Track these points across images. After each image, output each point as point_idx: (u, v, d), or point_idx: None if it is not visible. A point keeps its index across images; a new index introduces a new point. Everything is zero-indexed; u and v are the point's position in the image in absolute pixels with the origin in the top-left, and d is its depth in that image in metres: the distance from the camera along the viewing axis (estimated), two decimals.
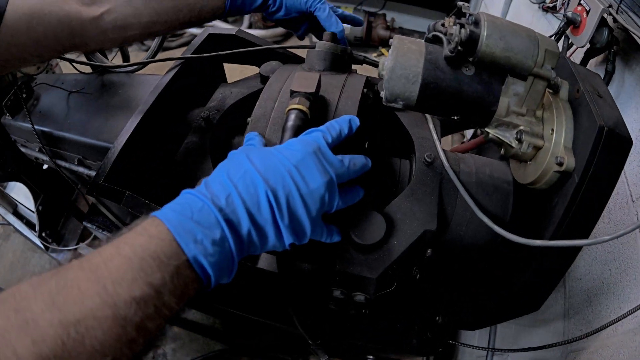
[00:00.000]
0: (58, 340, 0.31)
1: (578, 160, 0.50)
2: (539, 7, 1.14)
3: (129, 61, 1.19)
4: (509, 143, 0.54)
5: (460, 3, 0.53)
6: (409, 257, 0.59)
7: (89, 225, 1.03)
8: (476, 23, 0.49)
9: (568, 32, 0.84)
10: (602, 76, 0.84)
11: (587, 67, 0.90)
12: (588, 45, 0.83)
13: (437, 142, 0.62)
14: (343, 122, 0.50)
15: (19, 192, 1.54)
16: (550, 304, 0.89)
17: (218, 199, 0.40)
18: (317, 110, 0.54)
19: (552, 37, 0.88)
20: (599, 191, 0.51)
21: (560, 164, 0.51)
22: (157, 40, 1.06)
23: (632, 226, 0.49)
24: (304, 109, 0.50)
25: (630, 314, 0.63)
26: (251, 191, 0.41)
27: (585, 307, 0.80)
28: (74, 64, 1.01)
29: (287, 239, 0.43)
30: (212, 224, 0.39)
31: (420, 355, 0.87)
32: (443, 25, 0.51)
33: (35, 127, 1.10)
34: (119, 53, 1.23)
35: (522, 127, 0.53)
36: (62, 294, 0.33)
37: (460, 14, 0.51)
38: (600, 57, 0.89)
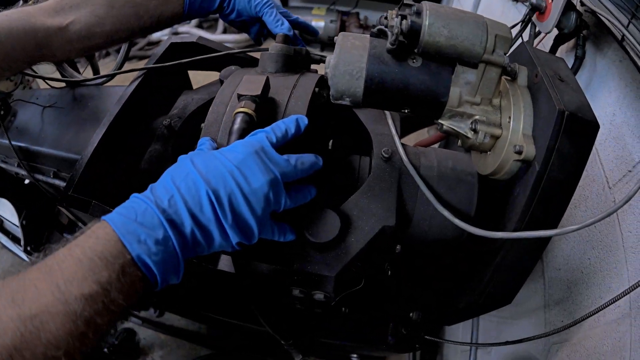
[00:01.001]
0: (17, 332, 0.35)
1: (539, 148, 0.49)
2: None
3: (98, 74, 1.20)
4: (465, 134, 0.52)
5: None
6: (371, 254, 0.58)
7: (69, 236, 1.03)
8: (418, 13, 0.47)
9: (534, 19, 0.83)
10: (572, 62, 0.82)
11: (557, 53, 0.89)
12: (556, 32, 0.81)
13: (396, 138, 0.60)
14: (290, 122, 0.50)
15: (5, 208, 1.54)
16: (530, 295, 0.87)
17: (161, 200, 0.42)
18: (265, 113, 0.53)
19: (518, 25, 0.87)
20: (564, 179, 0.49)
21: (519, 152, 0.49)
22: (122, 52, 1.06)
23: (602, 214, 0.47)
24: (250, 111, 0.49)
25: (611, 304, 0.61)
26: (193, 192, 0.43)
27: (566, 297, 0.78)
28: (46, 80, 1.03)
29: (234, 238, 0.44)
30: (154, 224, 0.41)
31: (397, 352, 0.85)
32: (386, 18, 0.50)
33: (13, 142, 1.11)
34: (89, 66, 1.24)
35: (477, 117, 0.51)
36: (21, 292, 0.37)
37: (405, 5, 0.50)
38: (571, 43, 0.87)
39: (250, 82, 0.52)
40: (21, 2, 1.00)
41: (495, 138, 0.52)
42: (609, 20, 0.69)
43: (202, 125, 0.57)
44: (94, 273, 0.38)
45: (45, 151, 1.10)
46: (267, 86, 0.52)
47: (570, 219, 0.80)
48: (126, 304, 0.40)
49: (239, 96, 0.51)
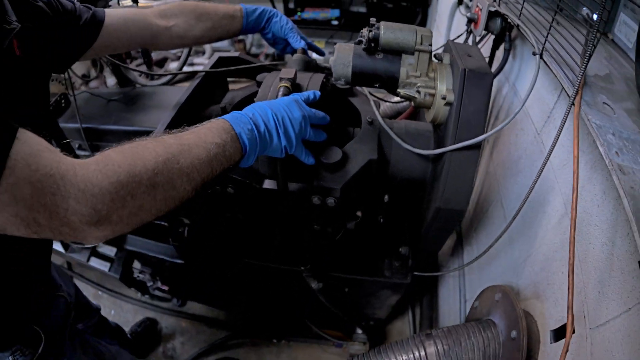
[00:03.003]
0: (177, 148, 0.58)
1: (456, 95, 0.79)
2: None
3: (155, 77, 1.59)
4: (413, 95, 0.86)
5: (372, 20, 0.88)
6: (365, 185, 0.89)
7: None
8: (377, 28, 0.84)
9: (472, 28, 1.17)
10: (505, 54, 1.14)
11: (498, 50, 1.22)
12: (491, 35, 1.15)
13: (376, 111, 0.95)
14: (309, 92, 0.83)
15: None
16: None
17: (249, 113, 0.71)
18: (295, 90, 0.88)
19: (464, 34, 1.21)
20: (473, 109, 0.77)
21: (444, 98, 0.82)
22: (182, 58, 1.46)
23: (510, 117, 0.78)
24: (288, 85, 0.83)
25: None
26: (264, 113, 0.72)
27: (525, 231, 1.05)
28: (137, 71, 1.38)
29: (283, 141, 0.72)
30: (246, 122, 0.68)
31: (393, 287, 1.12)
32: (362, 34, 0.87)
33: (83, 125, 1.39)
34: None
35: (419, 84, 0.86)
36: (179, 135, 0.62)
37: (370, 25, 0.87)
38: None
39: (287, 72, 0.87)
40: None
41: (432, 96, 0.86)
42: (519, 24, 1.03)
43: (254, 99, 0.92)
44: (218, 135, 0.63)
45: (115, 128, 1.39)
46: (296, 73, 0.88)
47: (514, 164, 1.11)
48: (228, 163, 0.64)
49: (281, 79, 0.86)
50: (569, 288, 0.60)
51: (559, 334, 0.65)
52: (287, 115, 0.73)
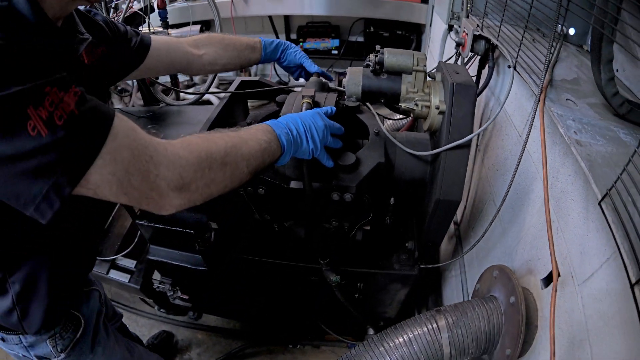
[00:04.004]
0: (236, 140, 0.73)
1: (447, 105, 0.96)
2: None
3: (179, 99, 1.78)
4: (412, 108, 1.03)
5: (377, 47, 1.06)
6: (375, 187, 1.05)
7: (142, 222, 1.29)
8: (382, 54, 1.02)
9: (460, 51, 1.36)
10: (489, 71, 1.33)
11: (484, 69, 1.41)
12: (477, 56, 1.34)
13: (380, 124, 1.12)
14: (327, 107, 0.99)
15: None
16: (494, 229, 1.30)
17: (284, 121, 0.86)
18: (314, 106, 1.05)
19: (453, 57, 1.40)
20: (462, 115, 0.94)
21: (438, 108, 0.99)
22: (208, 81, 1.65)
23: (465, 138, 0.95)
24: (310, 101, 1.00)
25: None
26: (295, 122, 0.87)
27: (513, 219, 1.21)
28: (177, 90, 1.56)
29: (310, 145, 0.87)
30: (283, 127, 0.83)
31: (402, 279, 1.26)
32: (369, 58, 1.05)
33: None
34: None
35: (417, 99, 1.03)
36: (238, 133, 0.76)
37: (376, 51, 1.04)
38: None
39: (307, 91, 1.04)
40: (145, 22, 1.55)
41: (428, 107, 1.02)
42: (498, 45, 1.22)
43: (280, 114, 1.07)
44: (264, 134, 0.78)
45: None
46: (315, 92, 1.05)
47: (502, 165, 1.27)
48: (272, 158, 0.79)
49: (303, 96, 1.02)
50: (549, 240, 0.73)
51: (548, 280, 0.78)
52: (312, 124, 0.89)
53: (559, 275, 0.74)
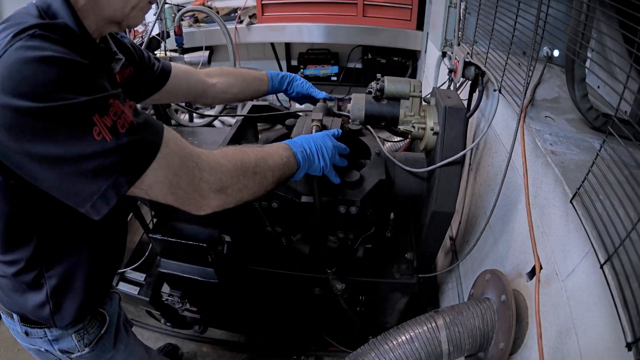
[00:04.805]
0: (261, 154, 0.83)
1: (441, 126, 1.09)
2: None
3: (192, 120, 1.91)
4: (410, 130, 1.16)
5: (378, 75, 1.20)
6: (377, 203, 1.16)
7: (155, 235, 1.34)
8: (383, 81, 1.15)
9: (452, 77, 1.51)
10: (479, 95, 1.47)
11: (475, 92, 1.54)
12: (468, 81, 1.48)
13: (381, 146, 1.24)
14: (334, 130, 1.12)
15: None
16: (486, 238, 1.40)
17: (298, 141, 0.96)
18: (323, 128, 1.17)
19: (446, 82, 1.55)
20: (454, 135, 1.05)
21: (432, 129, 1.11)
22: (221, 107, 1.77)
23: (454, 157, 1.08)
24: (319, 124, 1.12)
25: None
26: (307, 142, 0.96)
27: (505, 220, 1.32)
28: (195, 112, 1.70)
29: (321, 162, 0.96)
30: (298, 146, 0.93)
31: (402, 288, 1.36)
32: (371, 85, 1.18)
33: None
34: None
35: (413, 121, 1.15)
36: (262, 148, 0.86)
37: (377, 79, 1.18)
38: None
39: (316, 115, 1.16)
40: (163, 46, 1.65)
41: (423, 129, 1.15)
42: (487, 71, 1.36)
43: (291, 136, 1.20)
44: (283, 151, 0.88)
45: None
46: (323, 116, 1.17)
47: (492, 180, 1.38)
48: (291, 172, 0.89)
49: (312, 120, 1.15)
50: (531, 238, 0.84)
51: (532, 273, 0.88)
52: (323, 144, 1.00)
53: (540, 267, 0.84)
